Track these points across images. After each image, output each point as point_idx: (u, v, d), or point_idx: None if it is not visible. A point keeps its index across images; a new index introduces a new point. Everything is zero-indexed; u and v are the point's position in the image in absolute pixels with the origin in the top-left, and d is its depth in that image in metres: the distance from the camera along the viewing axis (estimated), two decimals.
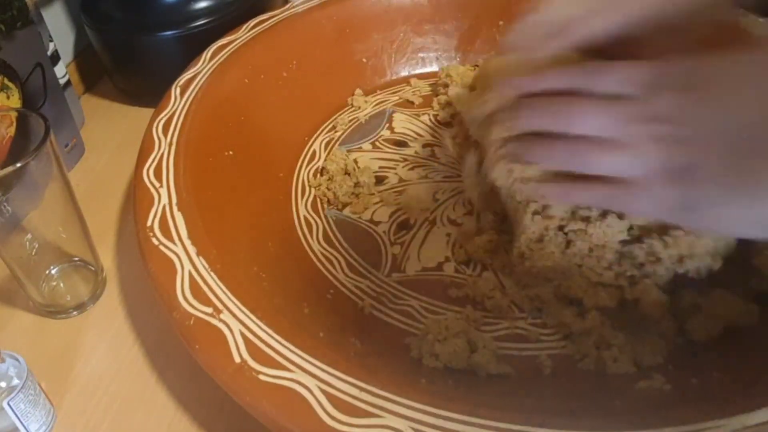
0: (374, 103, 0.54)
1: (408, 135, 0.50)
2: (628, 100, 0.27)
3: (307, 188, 0.46)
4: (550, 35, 0.31)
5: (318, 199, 0.45)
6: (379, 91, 0.55)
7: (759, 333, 0.32)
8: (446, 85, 0.53)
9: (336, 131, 0.51)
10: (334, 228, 0.43)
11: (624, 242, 0.35)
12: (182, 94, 0.45)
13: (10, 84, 0.44)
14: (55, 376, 0.37)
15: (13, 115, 0.36)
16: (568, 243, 0.35)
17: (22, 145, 0.36)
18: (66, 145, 0.51)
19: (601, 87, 0.28)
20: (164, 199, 0.37)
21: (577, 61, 0.32)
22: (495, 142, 0.33)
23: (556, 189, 0.31)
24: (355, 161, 0.47)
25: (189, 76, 0.47)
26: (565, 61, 0.32)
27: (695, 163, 0.26)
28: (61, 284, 0.41)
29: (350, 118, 0.52)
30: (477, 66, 0.55)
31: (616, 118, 0.27)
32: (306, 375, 0.28)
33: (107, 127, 0.57)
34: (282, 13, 0.53)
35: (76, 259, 0.41)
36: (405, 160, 0.48)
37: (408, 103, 0.54)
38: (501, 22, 0.56)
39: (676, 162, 0.26)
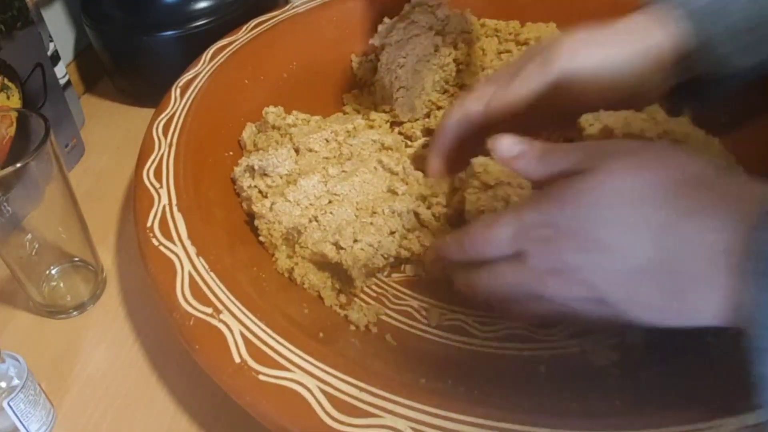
0: None
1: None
2: (525, 258, 0.28)
3: None
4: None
5: None
6: None
7: None
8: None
9: None
10: None
11: None
12: (182, 94, 0.45)
13: (10, 84, 0.44)
14: (55, 376, 0.37)
15: (13, 115, 0.36)
16: None
17: (22, 145, 0.36)
18: (66, 145, 0.51)
19: (488, 255, 0.30)
20: (164, 200, 0.37)
21: None
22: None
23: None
24: None
25: (189, 77, 0.47)
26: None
27: (603, 298, 0.26)
28: (61, 284, 0.41)
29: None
30: None
31: (525, 282, 0.29)
32: (306, 375, 0.28)
33: (107, 127, 0.57)
34: (282, 13, 0.53)
35: (76, 259, 0.41)
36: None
37: None
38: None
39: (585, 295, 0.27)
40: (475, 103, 0.38)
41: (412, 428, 0.26)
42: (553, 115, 0.36)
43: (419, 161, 0.45)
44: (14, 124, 0.37)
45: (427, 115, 0.50)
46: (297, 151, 0.42)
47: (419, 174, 0.45)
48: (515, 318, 0.34)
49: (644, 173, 0.25)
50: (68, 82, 0.53)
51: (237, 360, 0.29)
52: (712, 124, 0.36)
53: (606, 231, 0.25)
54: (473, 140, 0.38)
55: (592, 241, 0.26)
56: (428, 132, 0.50)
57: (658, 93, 0.37)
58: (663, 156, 0.26)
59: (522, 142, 0.30)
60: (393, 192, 0.40)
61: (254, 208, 0.39)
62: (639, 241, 0.25)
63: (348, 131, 0.44)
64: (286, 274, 0.38)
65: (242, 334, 0.30)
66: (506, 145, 0.30)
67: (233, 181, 0.43)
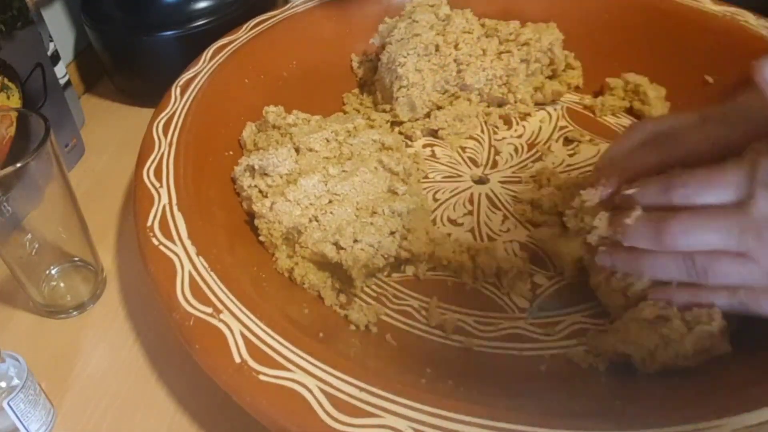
0: None
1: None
2: (733, 208, 0.28)
3: None
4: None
5: None
6: None
7: (759, 333, 0.32)
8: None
9: None
10: None
11: None
12: (182, 94, 0.45)
13: (10, 84, 0.44)
14: (55, 376, 0.37)
15: (13, 115, 0.36)
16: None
17: (22, 145, 0.36)
18: (66, 145, 0.51)
19: (700, 200, 0.28)
20: (164, 199, 0.37)
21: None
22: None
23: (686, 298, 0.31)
24: None
25: (189, 77, 0.47)
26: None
27: None
28: (61, 284, 0.41)
29: None
30: None
31: (728, 230, 0.28)
32: (306, 375, 0.28)
33: (107, 127, 0.57)
34: (282, 13, 0.53)
35: (76, 259, 0.41)
36: None
37: None
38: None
39: None
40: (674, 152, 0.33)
41: (412, 428, 0.26)
42: None
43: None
44: (14, 124, 0.37)
45: (427, 115, 0.50)
46: (297, 150, 0.42)
47: (419, 174, 0.45)
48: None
49: None
50: (68, 82, 0.53)
51: (237, 360, 0.29)
52: None
53: None
54: None
55: None
56: (428, 132, 0.50)
57: None
58: None
59: None
60: (393, 192, 0.40)
61: (254, 208, 0.39)
62: None
63: (348, 131, 0.44)
64: (286, 274, 0.38)
65: (242, 334, 0.30)
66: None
67: (233, 180, 0.43)
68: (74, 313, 0.40)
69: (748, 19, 0.48)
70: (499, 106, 0.51)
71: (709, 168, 0.29)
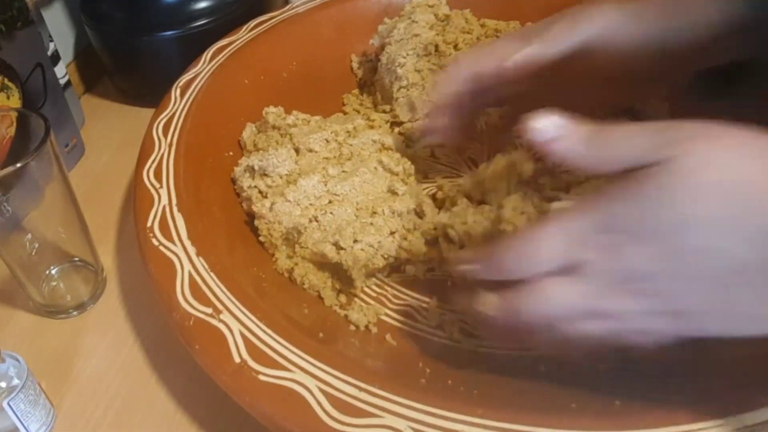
0: None
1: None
2: (582, 270, 0.24)
3: None
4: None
5: None
6: None
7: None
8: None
9: None
10: None
11: None
12: (182, 95, 0.45)
13: (10, 84, 0.44)
14: (55, 376, 0.37)
15: (13, 115, 0.37)
16: None
17: (22, 145, 0.36)
18: (66, 145, 0.51)
19: (542, 268, 0.24)
20: (164, 200, 0.37)
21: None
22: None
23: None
24: None
25: (189, 77, 0.47)
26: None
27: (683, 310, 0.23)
28: (61, 284, 0.41)
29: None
30: None
31: (584, 299, 0.24)
32: (306, 375, 0.28)
33: (107, 127, 0.57)
34: (282, 13, 0.53)
35: (76, 259, 0.41)
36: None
37: None
38: None
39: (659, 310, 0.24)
40: (489, 59, 0.32)
41: (412, 428, 0.26)
42: (571, 88, 0.32)
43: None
44: (14, 124, 0.37)
45: (427, 116, 0.50)
46: (297, 151, 0.42)
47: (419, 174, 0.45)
48: (551, 349, 0.28)
49: (739, 163, 0.22)
50: (68, 82, 0.54)
51: (237, 360, 0.29)
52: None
53: (697, 233, 0.22)
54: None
55: (678, 245, 0.22)
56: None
57: (688, 74, 0.33)
58: (754, 143, 0.22)
59: (564, 121, 0.25)
60: (393, 192, 0.40)
61: (254, 208, 0.39)
62: (736, 242, 0.21)
63: (348, 131, 0.44)
64: (286, 274, 0.38)
65: (242, 334, 0.30)
66: (543, 124, 0.25)
67: (233, 181, 0.43)
68: (74, 313, 0.41)
69: None
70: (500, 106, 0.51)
71: (529, 236, 0.25)
